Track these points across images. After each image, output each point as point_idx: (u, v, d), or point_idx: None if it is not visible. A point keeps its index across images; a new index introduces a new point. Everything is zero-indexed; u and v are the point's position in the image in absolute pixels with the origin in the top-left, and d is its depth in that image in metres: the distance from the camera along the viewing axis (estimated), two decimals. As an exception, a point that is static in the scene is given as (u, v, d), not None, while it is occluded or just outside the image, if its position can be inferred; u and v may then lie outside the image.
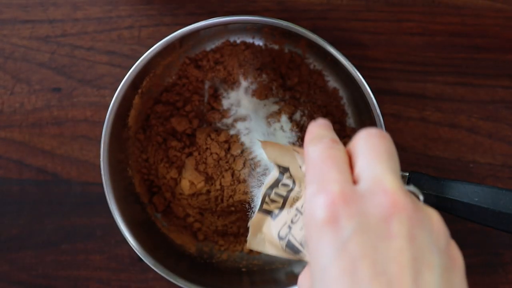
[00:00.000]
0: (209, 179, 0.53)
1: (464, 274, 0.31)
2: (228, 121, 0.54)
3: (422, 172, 0.47)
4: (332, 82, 0.55)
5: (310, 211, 0.31)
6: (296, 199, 0.38)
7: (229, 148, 0.53)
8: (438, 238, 0.31)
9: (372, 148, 0.33)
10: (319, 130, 0.35)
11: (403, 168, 0.50)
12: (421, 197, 0.34)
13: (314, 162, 0.33)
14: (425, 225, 0.31)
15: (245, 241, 0.55)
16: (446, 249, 0.31)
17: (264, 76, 0.54)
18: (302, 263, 0.53)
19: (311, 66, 0.55)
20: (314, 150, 0.33)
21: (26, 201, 0.57)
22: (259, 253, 0.55)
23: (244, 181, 0.53)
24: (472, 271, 0.56)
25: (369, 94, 0.48)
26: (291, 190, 0.38)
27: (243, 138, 0.53)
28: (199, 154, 0.53)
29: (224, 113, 0.54)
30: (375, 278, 0.29)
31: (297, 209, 0.38)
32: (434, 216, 0.32)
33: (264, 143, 0.39)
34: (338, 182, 0.31)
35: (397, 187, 0.31)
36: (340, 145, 0.34)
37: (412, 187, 0.34)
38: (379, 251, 0.29)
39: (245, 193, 0.53)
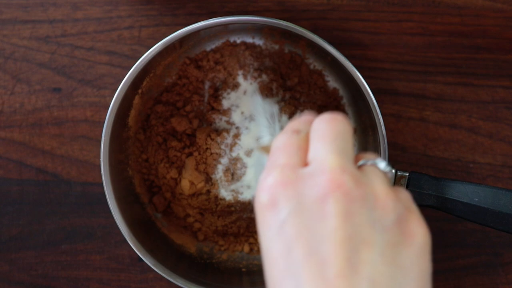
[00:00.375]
0: (209, 179, 0.53)
1: (423, 250, 0.30)
2: (228, 121, 0.54)
3: (422, 172, 0.47)
4: (332, 82, 0.55)
5: (257, 196, 0.32)
6: None
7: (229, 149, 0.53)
8: (383, 214, 0.30)
9: (320, 132, 0.33)
10: (291, 124, 0.36)
11: (403, 168, 0.50)
12: (388, 168, 0.33)
13: (271, 152, 0.34)
14: (366, 202, 0.30)
15: (245, 241, 0.55)
16: (394, 225, 0.30)
17: (264, 76, 0.54)
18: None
19: (311, 66, 0.55)
20: (275, 143, 0.35)
21: (26, 202, 0.57)
22: (259, 253, 0.55)
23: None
24: (472, 271, 0.56)
25: (369, 94, 0.48)
26: None
27: (243, 138, 0.53)
28: (199, 154, 0.53)
29: (224, 113, 0.54)
30: (307, 258, 0.29)
31: None
32: (379, 191, 0.31)
33: (262, 149, 0.40)
34: (280, 166, 0.32)
35: (336, 165, 0.31)
36: (300, 134, 0.34)
37: (378, 160, 0.33)
38: (314, 231, 0.29)
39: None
